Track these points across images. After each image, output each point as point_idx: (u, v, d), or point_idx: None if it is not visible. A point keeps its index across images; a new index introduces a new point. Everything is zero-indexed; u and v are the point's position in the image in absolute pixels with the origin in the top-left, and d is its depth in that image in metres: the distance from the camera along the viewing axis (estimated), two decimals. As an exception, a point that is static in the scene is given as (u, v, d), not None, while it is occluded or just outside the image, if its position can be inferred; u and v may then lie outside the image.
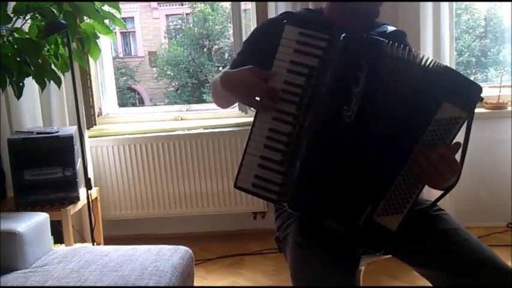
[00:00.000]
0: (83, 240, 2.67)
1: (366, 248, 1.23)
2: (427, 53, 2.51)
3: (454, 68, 2.60)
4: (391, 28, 1.40)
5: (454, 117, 1.07)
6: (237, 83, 1.19)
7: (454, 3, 2.56)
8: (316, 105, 1.10)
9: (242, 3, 2.81)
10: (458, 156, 1.14)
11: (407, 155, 1.08)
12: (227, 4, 9.66)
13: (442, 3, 2.50)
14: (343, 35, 1.08)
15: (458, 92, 1.07)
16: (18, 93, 2.11)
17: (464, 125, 1.12)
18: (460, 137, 1.12)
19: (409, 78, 1.08)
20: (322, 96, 1.09)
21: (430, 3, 2.50)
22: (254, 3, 2.72)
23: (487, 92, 2.81)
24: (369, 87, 1.07)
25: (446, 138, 1.08)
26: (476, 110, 2.98)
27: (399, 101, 1.09)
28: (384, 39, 1.09)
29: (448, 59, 2.53)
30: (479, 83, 1.13)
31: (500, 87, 2.68)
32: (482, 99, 1.09)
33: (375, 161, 1.11)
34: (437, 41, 2.52)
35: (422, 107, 1.07)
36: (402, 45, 1.09)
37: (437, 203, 1.28)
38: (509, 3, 3.15)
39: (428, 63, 1.08)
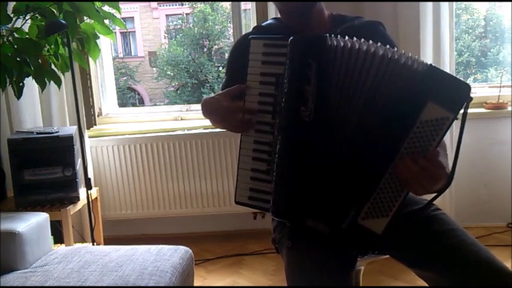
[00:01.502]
0: (83, 240, 2.67)
1: (352, 251, 1.21)
2: (427, 53, 2.51)
3: (454, 69, 2.61)
4: (363, 20, 1.37)
5: (440, 118, 1.02)
6: (213, 111, 1.27)
7: (454, 3, 2.56)
8: (280, 110, 1.12)
9: (242, 3, 2.81)
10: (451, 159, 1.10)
11: (392, 157, 1.05)
12: (227, 4, 9.66)
13: (442, 3, 2.50)
14: (290, 38, 1.09)
15: (445, 92, 1.02)
16: (18, 93, 2.11)
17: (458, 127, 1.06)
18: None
19: (378, 71, 1.04)
20: (283, 101, 1.11)
21: (430, 3, 2.50)
22: (254, 3, 2.72)
23: (487, 92, 2.81)
24: (323, 83, 1.06)
25: (432, 141, 1.03)
26: (476, 110, 2.98)
27: (369, 95, 1.05)
28: (326, 35, 1.08)
29: (448, 59, 2.53)
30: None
31: (500, 87, 2.68)
32: (471, 99, 1.02)
33: (353, 161, 1.09)
34: (437, 41, 2.51)
35: (405, 106, 1.04)
36: (374, 36, 1.08)
37: (435, 203, 1.27)
38: (509, 3, 3.15)
39: (401, 56, 1.04)
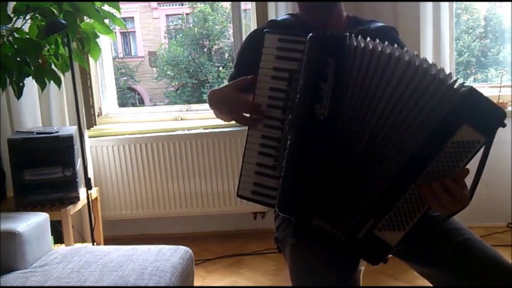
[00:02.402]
0: (83, 240, 2.67)
1: (362, 259, 1.19)
2: (427, 53, 2.51)
3: (454, 68, 2.61)
4: (377, 24, 1.38)
5: (472, 141, 1.00)
6: (221, 102, 1.25)
7: (454, 3, 2.56)
8: (293, 106, 1.11)
9: (242, 3, 2.81)
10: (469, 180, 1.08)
11: (418, 172, 1.03)
12: (227, 4, 9.66)
13: (442, 3, 2.50)
14: (309, 35, 1.08)
15: (481, 115, 0.99)
16: (18, 93, 2.11)
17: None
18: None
19: (403, 78, 1.02)
20: (297, 97, 1.10)
21: (430, 4, 2.50)
22: (254, 3, 2.72)
23: (487, 92, 2.81)
24: (340, 82, 1.06)
25: (460, 161, 1.02)
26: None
27: (391, 100, 1.03)
28: (347, 34, 1.08)
29: (448, 59, 2.53)
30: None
31: (500, 87, 2.67)
32: (505, 125, 1.00)
33: (369, 163, 1.07)
34: (437, 41, 2.52)
35: (435, 123, 1.01)
36: (387, 41, 1.06)
37: None
38: (509, 3, 3.15)
39: (431, 67, 1.02)
